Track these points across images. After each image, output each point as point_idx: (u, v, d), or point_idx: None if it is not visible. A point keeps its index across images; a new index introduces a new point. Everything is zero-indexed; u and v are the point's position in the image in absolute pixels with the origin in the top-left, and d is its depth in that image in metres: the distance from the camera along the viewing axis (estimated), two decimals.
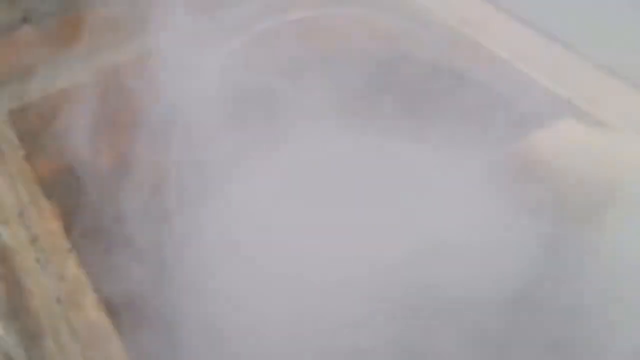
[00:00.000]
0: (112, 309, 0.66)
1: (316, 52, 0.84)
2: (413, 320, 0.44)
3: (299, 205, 0.53)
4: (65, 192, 0.79)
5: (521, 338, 0.43)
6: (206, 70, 0.71)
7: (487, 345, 0.42)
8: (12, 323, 0.60)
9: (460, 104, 0.73)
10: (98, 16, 0.99)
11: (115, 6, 1.00)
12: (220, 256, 0.54)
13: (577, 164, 0.59)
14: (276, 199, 0.54)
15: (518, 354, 0.42)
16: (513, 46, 1.01)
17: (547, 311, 0.44)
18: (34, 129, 0.88)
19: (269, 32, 0.69)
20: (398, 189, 0.54)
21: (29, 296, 0.67)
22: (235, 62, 0.74)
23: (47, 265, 0.72)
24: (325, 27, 0.83)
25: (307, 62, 0.80)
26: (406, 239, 0.48)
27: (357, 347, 0.41)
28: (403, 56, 0.76)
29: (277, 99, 0.72)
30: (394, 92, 0.74)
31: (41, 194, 0.79)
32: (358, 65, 0.78)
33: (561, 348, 0.42)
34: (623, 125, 0.88)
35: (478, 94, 0.77)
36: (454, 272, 0.45)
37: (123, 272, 0.69)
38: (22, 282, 0.68)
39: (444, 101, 0.72)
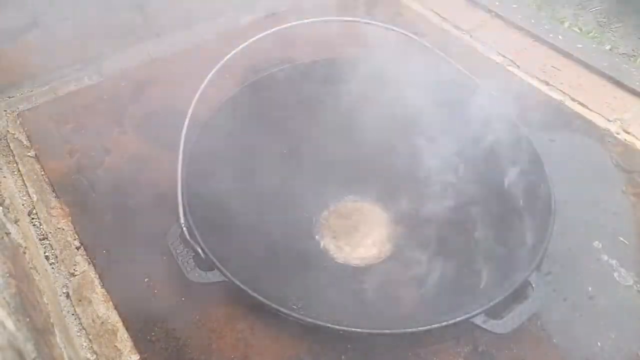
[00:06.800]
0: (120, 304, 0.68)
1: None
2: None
3: None
4: (74, 191, 0.81)
5: None
6: None
7: None
8: (23, 319, 0.61)
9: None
10: (105, 21, 1.01)
11: (122, 12, 1.02)
12: None
13: None
14: None
15: None
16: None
17: None
18: (44, 130, 0.90)
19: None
20: None
21: (39, 292, 0.68)
22: None
23: (57, 262, 0.73)
24: (323, 33, 0.85)
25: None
26: None
27: None
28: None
29: None
30: None
31: (50, 193, 0.81)
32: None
33: None
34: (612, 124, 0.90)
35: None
36: None
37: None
38: (32, 278, 0.70)
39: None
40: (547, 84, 0.98)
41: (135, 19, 1.05)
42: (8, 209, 0.78)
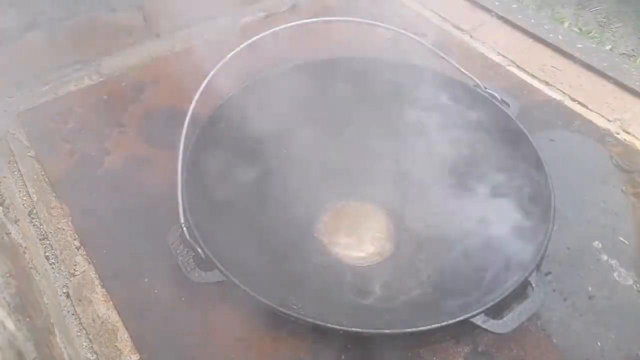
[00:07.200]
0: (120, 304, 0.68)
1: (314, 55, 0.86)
2: None
3: None
4: (74, 191, 0.81)
5: None
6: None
7: None
8: (23, 319, 0.61)
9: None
10: (105, 21, 1.01)
11: (122, 12, 1.02)
12: None
13: None
14: None
15: None
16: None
17: None
18: (44, 130, 0.90)
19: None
20: None
21: (39, 292, 0.68)
22: None
23: (57, 262, 0.73)
24: (323, 33, 0.85)
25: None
26: None
27: None
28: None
29: None
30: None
31: (50, 193, 0.81)
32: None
33: None
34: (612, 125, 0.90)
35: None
36: None
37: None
38: (32, 278, 0.70)
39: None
40: (547, 84, 0.98)
41: (135, 19, 1.05)
42: (8, 209, 0.78)
